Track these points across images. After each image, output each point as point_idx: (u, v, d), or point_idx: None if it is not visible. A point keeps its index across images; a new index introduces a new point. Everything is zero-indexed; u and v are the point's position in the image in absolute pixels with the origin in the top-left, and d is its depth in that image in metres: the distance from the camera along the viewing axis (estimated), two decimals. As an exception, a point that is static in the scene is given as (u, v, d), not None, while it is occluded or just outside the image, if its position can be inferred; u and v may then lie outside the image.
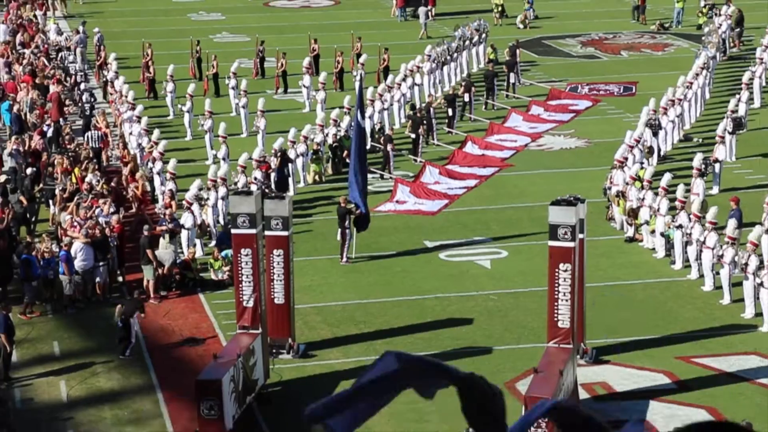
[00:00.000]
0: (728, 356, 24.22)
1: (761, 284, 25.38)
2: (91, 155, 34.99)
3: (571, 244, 22.54)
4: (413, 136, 38.59)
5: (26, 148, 35.56)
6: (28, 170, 33.31)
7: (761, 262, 26.11)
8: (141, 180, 33.73)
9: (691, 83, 41.10)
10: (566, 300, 22.61)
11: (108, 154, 37.16)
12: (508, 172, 36.88)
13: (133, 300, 26.27)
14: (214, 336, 25.60)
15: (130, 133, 37.95)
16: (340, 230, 29.76)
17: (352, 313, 26.80)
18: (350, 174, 30.09)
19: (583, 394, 22.60)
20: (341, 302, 27.40)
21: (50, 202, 32.22)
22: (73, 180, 32.43)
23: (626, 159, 33.59)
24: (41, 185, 33.22)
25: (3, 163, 35.28)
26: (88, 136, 37.52)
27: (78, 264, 27.28)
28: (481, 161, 37.57)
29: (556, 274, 22.64)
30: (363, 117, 30.68)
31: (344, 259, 29.69)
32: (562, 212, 22.66)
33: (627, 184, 31.96)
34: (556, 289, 22.69)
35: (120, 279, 28.88)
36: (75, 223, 28.51)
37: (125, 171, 34.48)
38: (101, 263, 27.74)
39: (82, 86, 43.92)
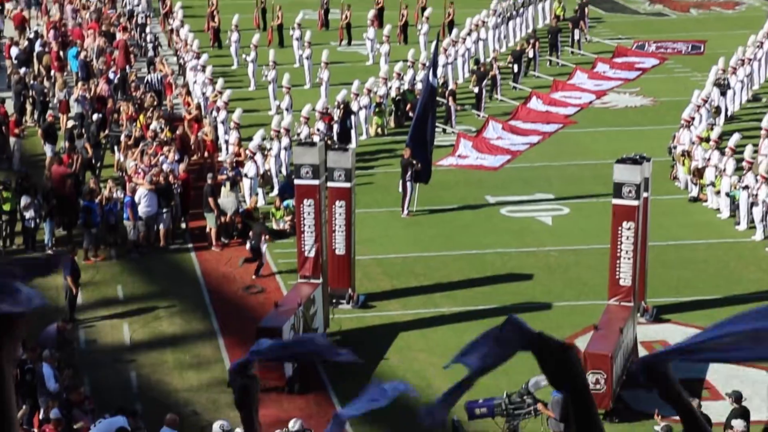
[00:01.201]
0: (791, 318, 23.93)
1: (827, 247, 25.07)
2: (154, 101, 35.24)
3: (635, 203, 22.41)
4: (476, 90, 38.41)
5: (92, 94, 35.88)
6: (94, 116, 33.64)
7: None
8: (207, 128, 33.94)
9: (762, 43, 40.47)
10: (628, 258, 22.51)
11: (171, 101, 37.36)
12: (571, 129, 36.64)
13: (260, 224, 26.63)
14: (275, 285, 25.81)
15: (194, 82, 38.15)
16: (401, 183, 29.78)
17: (412, 265, 26.86)
18: (413, 127, 30.02)
19: (642, 352, 22.51)
20: (401, 255, 27.47)
21: (115, 148, 32.54)
22: (138, 127, 32.70)
23: (693, 119, 33.22)
24: (107, 131, 33.55)
25: (70, 109, 35.64)
26: (148, 79, 37.82)
27: (141, 210, 27.56)
28: (545, 117, 37.34)
29: (619, 232, 22.54)
30: (435, 75, 30.54)
31: (405, 212, 29.72)
32: (627, 170, 22.52)
33: (693, 143, 31.64)
34: (619, 247, 22.60)
35: (183, 226, 29.14)
36: (139, 170, 28.77)
37: (188, 118, 34.67)
38: (164, 210, 28.01)
39: (147, 30, 44.23)
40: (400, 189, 29.87)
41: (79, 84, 36.77)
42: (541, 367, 3.15)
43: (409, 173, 29.53)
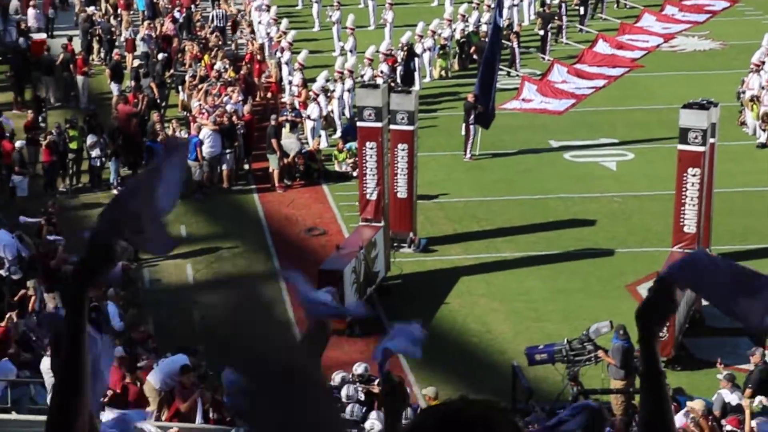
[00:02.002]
0: None
1: None
2: (219, 40, 35.29)
3: (701, 149, 22.12)
4: (542, 33, 38.01)
5: (158, 33, 36.02)
6: (159, 56, 33.77)
7: None
8: (272, 69, 33.97)
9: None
10: (693, 205, 22.27)
11: (235, 41, 37.39)
12: (638, 73, 36.16)
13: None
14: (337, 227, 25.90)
15: (259, 22, 38.12)
16: (464, 126, 29.62)
17: (475, 209, 26.79)
18: (481, 71, 29.79)
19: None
20: (463, 198, 27.40)
21: (180, 88, 32.68)
22: (203, 66, 32.78)
23: (763, 63, 32.62)
24: (172, 71, 33.69)
25: (136, 48, 35.81)
26: (212, 15, 37.88)
27: (205, 151, 27.69)
28: (611, 61, 36.88)
29: (685, 178, 22.28)
30: (501, 15, 30.24)
31: (468, 156, 29.59)
32: (693, 116, 22.22)
33: (762, 88, 31.10)
34: (684, 193, 22.35)
35: (246, 167, 29.26)
36: (203, 110, 28.89)
37: (247, 58, 34.70)
38: (228, 151, 28.12)
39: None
40: (463, 132, 29.72)
41: (145, 23, 36.90)
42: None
43: (471, 116, 29.35)
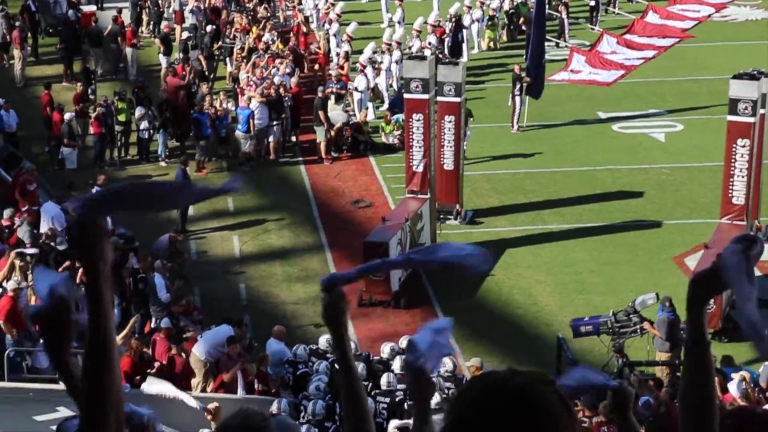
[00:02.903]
0: None
1: None
2: (267, 12, 35.34)
3: (751, 119, 21.91)
4: (593, 3, 37.69)
5: (206, 5, 36.12)
6: (208, 27, 33.87)
7: None
8: (320, 41, 33.98)
9: None
10: (742, 177, 22.08)
11: (284, 12, 37.42)
12: (688, 44, 35.76)
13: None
14: (384, 199, 25.94)
15: (307, -6, 38.11)
16: (511, 97, 29.47)
17: (522, 181, 26.71)
18: (530, 41, 29.63)
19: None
20: (511, 170, 27.32)
21: (228, 60, 32.78)
22: (251, 39, 32.85)
23: (815, 32, 32.19)
24: (220, 43, 33.78)
25: (184, 20, 35.95)
26: None
27: (253, 122, 27.76)
28: (661, 31, 36.47)
29: (734, 149, 22.10)
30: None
31: (515, 128, 29.47)
32: (743, 86, 22.01)
33: (814, 58, 30.68)
34: (733, 165, 22.18)
35: (293, 139, 29.33)
36: (251, 82, 28.97)
37: (294, 30, 34.72)
38: (275, 123, 28.19)
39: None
40: (510, 103, 29.59)
41: (194, -5, 36.98)
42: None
43: (517, 87, 29.20)
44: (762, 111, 22.33)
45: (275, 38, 32.67)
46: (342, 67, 31.10)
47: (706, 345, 3.29)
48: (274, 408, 15.44)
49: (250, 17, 34.95)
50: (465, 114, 25.26)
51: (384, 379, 16.65)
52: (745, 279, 3.30)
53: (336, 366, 17.29)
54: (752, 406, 11.81)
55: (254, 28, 33.68)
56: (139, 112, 27.72)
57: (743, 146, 22.07)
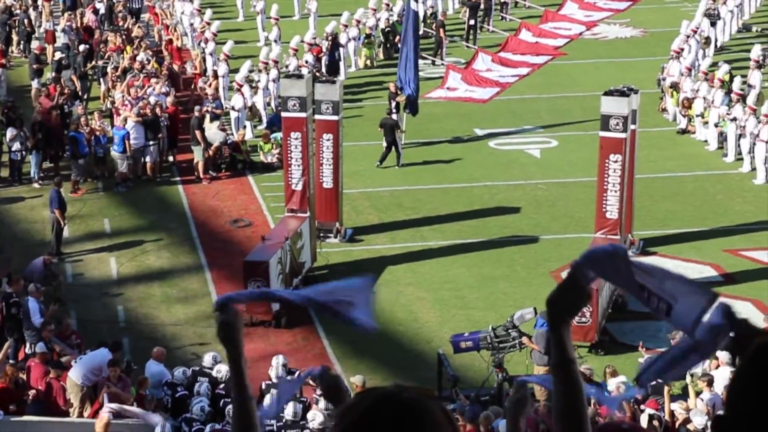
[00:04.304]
0: (776, 250, 24.08)
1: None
2: (142, 31, 34.96)
3: (622, 135, 22.38)
4: (472, 22, 38.17)
5: (79, 24, 35.58)
6: (81, 47, 33.35)
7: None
8: (196, 59, 33.72)
9: (753, -27, 40.17)
10: (615, 191, 22.53)
11: (158, 31, 37.08)
12: (561, 61, 36.46)
13: None
14: (262, 218, 25.83)
15: (182, 13, 37.82)
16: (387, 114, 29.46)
17: (400, 198, 26.86)
18: (400, 59, 29.85)
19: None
20: (389, 188, 27.44)
21: (102, 79, 32.31)
22: (125, 58, 32.44)
23: (682, 50, 33.06)
24: (93, 62, 33.29)
25: (56, 39, 35.35)
26: None
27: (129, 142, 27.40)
28: (535, 49, 37.14)
29: (606, 164, 22.53)
30: (416, 1, 30.29)
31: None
32: (614, 102, 22.47)
33: (682, 75, 31.52)
34: (606, 179, 22.61)
35: (171, 159, 29.04)
36: (126, 102, 28.61)
37: (168, 48, 34.42)
38: (151, 142, 27.87)
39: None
40: (379, 129, 29.60)
41: (66, 14, 36.44)
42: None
43: (393, 105, 29.41)
44: (633, 126, 22.86)
45: (150, 57, 32.32)
46: (211, 85, 30.91)
47: (571, 363, 3.29)
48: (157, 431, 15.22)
49: (124, 36, 34.52)
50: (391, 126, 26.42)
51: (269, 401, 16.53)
52: (627, 277, 3.31)
53: (215, 388, 17.14)
54: (620, 420, 12.02)
55: (128, 48, 33.28)
56: (10, 133, 27.15)
57: (615, 161, 22.53)
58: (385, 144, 28.60)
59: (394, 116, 29.24)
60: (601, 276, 3.37)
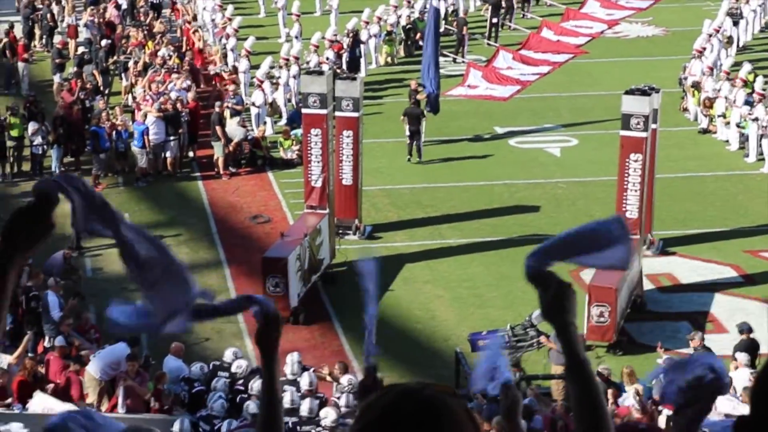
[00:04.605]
0: (797, 251, 23.98)
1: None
2: (164, 27, 35.04)
3: (643, 134, 22.31)
4: (495, 20, 38.12)
5: (101, 19, 35.69)
6: (103, 42, 33.46)
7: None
8: (216, 55, 33.78)
9: (776, -28, 39.98)
10: (635, 190, 22.47)
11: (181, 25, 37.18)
12: (582, 59, 36.37)
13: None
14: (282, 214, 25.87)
15: (204, 9, 37.89)
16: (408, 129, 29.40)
17: (420, 196, 26.85)
18: (424, 56, 29.85)
19: (648, 285, 22.55)
20: (409, 185, 27.44)
21: (123, 75, 32.41)
22: (147, 53, 32.53)
23: (704, 49, 32.93)
24: (115, 57, 33.39)
25: (78, 34, 35.47)
26: None
27: (149, 138, 27.49)
28: (556, 47, 37.06)
29: (627, 163, 22.47)
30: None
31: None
32: (635, 101, 22.41)
33: (704, 74, 31.40)
34: (626, 179, 22.54)
35: (191, 154, 29.12)
36: (147, 97, 28.69)
37: (189, 44, 34.49)
38: (172, 138, 27.94)
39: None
40: (402, 118, 29.66)
41: (88, 9, 36.55)
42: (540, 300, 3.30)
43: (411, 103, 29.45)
44: (653, 126, 22.78)
45: (171, 53, 32.39)
46: (231, 82, 30.97)
47: (583, 364, 3.29)
48: (176, 428, 15.24)
49: (145, 32, 34.61)
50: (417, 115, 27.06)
51: (287, 397, 16.55)
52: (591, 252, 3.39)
53: (234, 384, 17.17)
54: (637, 420, 12.02)
55: (150, 43, 33.37)
56: (32, 127, 27.26)
57: (636, 161, 22.46)
58: (408, 134, 28.60)
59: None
60: (558, 259, 3.40)
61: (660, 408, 16.43)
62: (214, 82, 32.88)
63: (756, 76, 30.29)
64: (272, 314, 3.70)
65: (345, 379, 17.46)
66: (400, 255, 23.90)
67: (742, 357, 18.07)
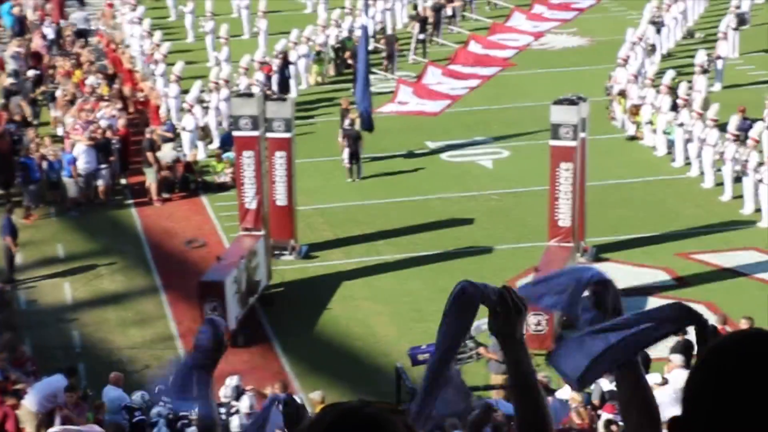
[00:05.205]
0: (727, 252, 24.37)
1: (761, 180, 25.44)
2: (91, 55, 34.84)
3: (572, 143, 22.60)
4: (422, 36, 38.35)
5: (27, 50, 35.41)
6: (30, 73, 33.19)
7: (761, 158, 26.12)
8: (145, 82, 33.65)
9: (696, -21, 40.67)
10: (567, 199, 22.74)
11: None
12: (510, 72, 36.69)
13: None
14: (217, 238, 25.81)
15: (131, 35, 37.73)
16: (341, 131, 29.59)
17: (355, 214, 26.92)
18: (356, 75, 29.93)
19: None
20: (343, 203, 27.51)
21: (51, 104, 32.18)
22: (75, 82, 32.33)
23: (629, 57, 33.39)
24: (43, 87, 33.14)
25: (4, 66, 35.15)
26: (73, 17, 37.47)
27: (80, 166, 27.33)
28: (484, 61, 37.33)
29: (557, 173, 22.74)
30: (367, 17, 30.48)
31: (347, 160, 29.52)
32: (564, 111, 22.70)
33: (629, 82, 31.84)
34: (557, 188, 22.82)
35: (123, 182, 28.97)
36: (77, 126, 28.51)
37: (119, 71, 34.34)
38: (103, 166, 27.80)
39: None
40: (340, 138, 29.81)
41: (14, 40, 36.25)
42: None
43: (347, 122, 29.50)
44: (582, 135, 23.08)
45: (100, 81, 32.22)
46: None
47: (529, 375, 3.37)
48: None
49: (73, 61, 34.40)
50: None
51: (235, 422, 16.61)
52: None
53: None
54: (579, 426, 12.14)
55: (78, 72, 33.17)
56: (-40, 161, 26.97)
57: (566, 170, 22.74)
58: (347, 157, 28.73)
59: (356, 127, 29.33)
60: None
61: (599, 413, 16.63)
62: (142, 108, 32.72)
63: (679, 82, 30.77)
64: (221, 338, 3.85)
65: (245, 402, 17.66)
66: (338, 273, 23.95)
67: (677, 358, 18.31)
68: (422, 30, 38.53)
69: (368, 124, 29.76)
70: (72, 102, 30.69)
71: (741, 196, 26.25)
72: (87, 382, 18.65)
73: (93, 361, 20.54)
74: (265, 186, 23.82)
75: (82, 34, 37.84)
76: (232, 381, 17.57)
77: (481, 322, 13.89)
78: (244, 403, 16.92)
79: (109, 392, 17.69)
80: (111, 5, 40.80)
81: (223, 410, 17.10)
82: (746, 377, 2.46)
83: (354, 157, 28.77)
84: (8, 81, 33.26)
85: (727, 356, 2.53)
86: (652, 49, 35.61)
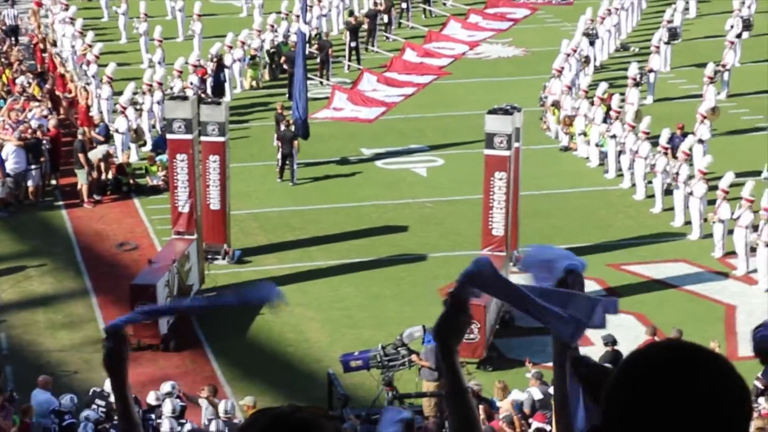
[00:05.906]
0: (657, 263, 24.66)
1: (691, 193, 25.76)
2: (21, 54, 34.41)
3: (506, 153, 22.72)
4: (353, 44, 38.36)
5: (-45, 48, 34.90)
6: (-42, 71, 32.72)
7: (692, 171, 26.46)
8: (75, 83, 33.28)
9: (629, -7, 41.13)
10: (501, 208, 22.86)
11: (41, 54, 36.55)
12: (445, 80, 36.84)
13: None
14: (149, 241, 25.58)
15: (63, 35, 37.31)
16: (276, 137, 29.53)
17: (288, 219, 26.84)
18: (293, 81, 29.85)
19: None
20: (277, 208, 27.41)
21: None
22: (5, 82, 31.89)
23: (563, 68, 33.68)
24: (-28, 87, 32.65)
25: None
26: (4, 14, 37.08)
27: (9, 167, 26.97)
28: (419, 69, 37.47)
29: (492, 182, 22.85)
30: (305, 22, 30.39)
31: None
32: (498, 121, 22.81)
33: (563, 93, 32.12)
34: (492, 197, 22.92)
35: (53, 182, 28.61)
36: (7, 126, 28.12)
37: (50, 70, 33.95)
38: (33, 166, 27.44)
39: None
40: (274, 143, 29.71)
41: (-59, 38, 35.70)
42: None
43: (282, 127, 29.41)
44: (516, 144, 23.23)
45: (31, 81, 31.81)
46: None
47: (465, 392, 3.41)
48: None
49: (2, 60, 33.91)
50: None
51: (166, 425, 16.47)
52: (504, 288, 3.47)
53: (109, 413, 16.93)
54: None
55: (7, 71, 32.71)
56: None
57: (500, 179, 22.87)
58: (280, 158, 28.65)
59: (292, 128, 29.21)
60: (483, 291, 3.49)
61: (530, 421, 16.72)
62: (73, 108, 32.35)
63: (612, 94, 31.09)
64: (121, 333, 3.80)
65: (221, 407, 17.56)
66: (271, 278, 23.80)
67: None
68: (354, 38, 38.52)
69: (303, 131, 29.67)
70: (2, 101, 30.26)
71: (672, 209, 26.57)
72: (14, 385, 18.34)
73: (20, 364, 20.24)
74: (199, 189, 23.68)
75: (13, 31, 37.32)
76: (164, 386, 17.44)
77: (414, 329, 14.01)
78: (167, 407, 16.80)
79: (37, 395, 17.45)
80: (39, 4, 40.34)
81: (152, 415, 16.98)
82: (658, 386, 2.51)
83: (286, 159, 28.69)
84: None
85: (642, 366, 2.57)
86: (586, 61, 35.94)
